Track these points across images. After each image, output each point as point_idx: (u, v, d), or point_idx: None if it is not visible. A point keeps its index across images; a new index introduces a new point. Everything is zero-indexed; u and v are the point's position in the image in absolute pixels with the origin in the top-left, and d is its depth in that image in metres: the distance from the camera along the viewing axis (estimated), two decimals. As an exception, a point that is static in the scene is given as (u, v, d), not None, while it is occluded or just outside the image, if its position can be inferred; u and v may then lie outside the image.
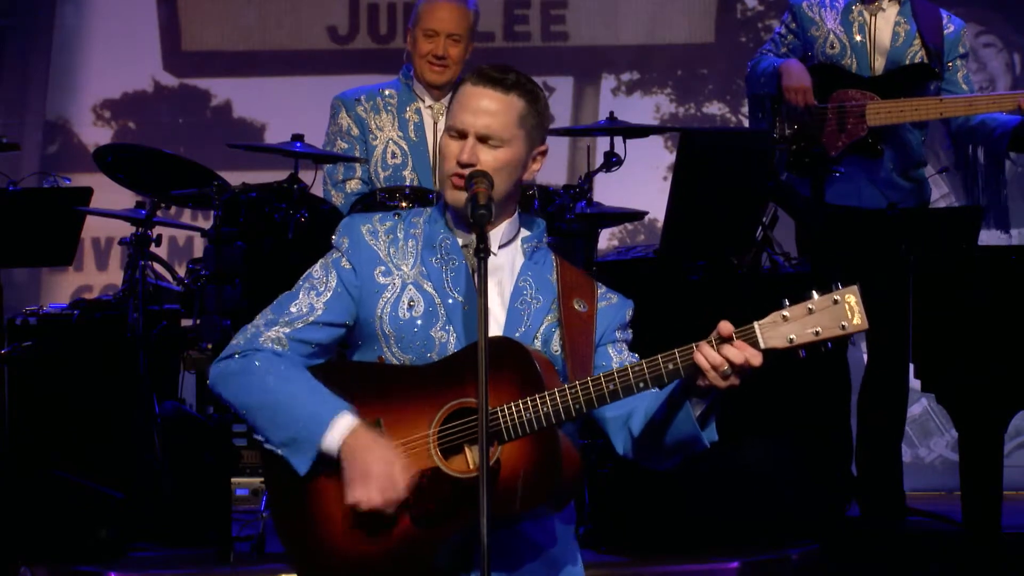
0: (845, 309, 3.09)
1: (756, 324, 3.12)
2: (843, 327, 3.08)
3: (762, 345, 3.11)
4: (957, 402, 5.31)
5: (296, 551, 3.30)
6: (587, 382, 3.20)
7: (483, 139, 3.35)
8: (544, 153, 3.45)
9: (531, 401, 3.18)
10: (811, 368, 5.81)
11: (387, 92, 5.73)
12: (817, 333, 3.09)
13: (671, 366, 3.16)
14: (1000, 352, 5.19)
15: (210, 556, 5.25)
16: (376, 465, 3.19)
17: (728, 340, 3.11)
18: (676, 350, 3.16)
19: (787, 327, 3.11)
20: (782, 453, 5.74)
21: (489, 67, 3.41)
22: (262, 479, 6.28)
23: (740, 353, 3.10)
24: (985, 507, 5.26)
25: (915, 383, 5.55)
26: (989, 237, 6.23)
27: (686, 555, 5.34)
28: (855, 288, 3.10)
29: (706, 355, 3.11)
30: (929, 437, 7.95)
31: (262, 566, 5.11)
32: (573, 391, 3.19)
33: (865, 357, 6.28)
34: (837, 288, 3.10)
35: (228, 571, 5.07)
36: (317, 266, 3.44)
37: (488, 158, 3.34)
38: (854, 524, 5.95)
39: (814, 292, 3.10)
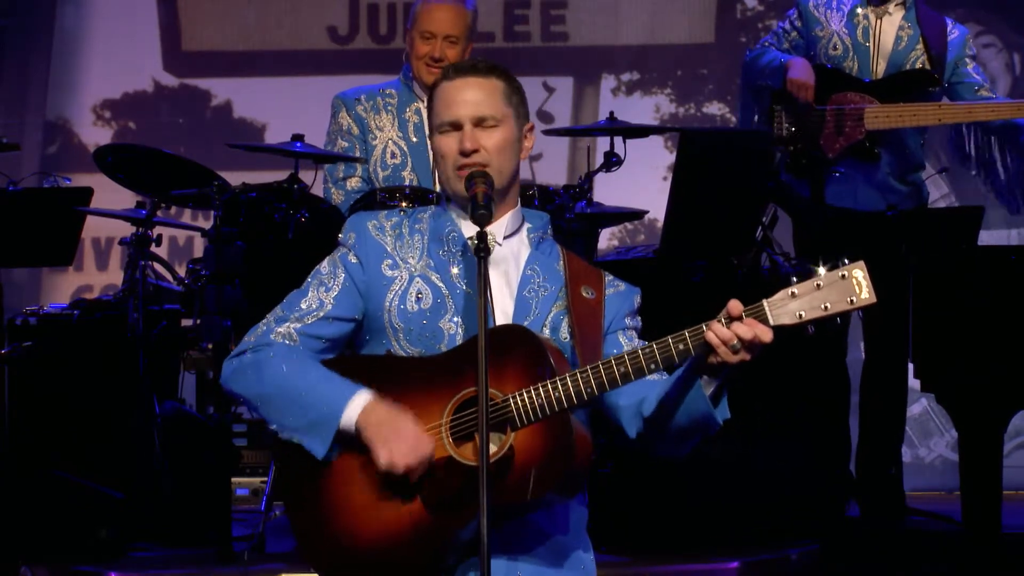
0: (853, 284, 3.11)
1: (765, 302, 3.15)
2: (851, 301, 3.11)
3: (772, 322, 3.14)
4: (957, 402, 5.30)
5: (310, 544, 3.30)
6: (598, 366, 3.21)
7: (479, 123, 3.39)
8: (532, 129, 3.49)
9: (543, 387, 3.19)
10: (811, 368, 5.85)
11: (387, 92, 5.73)
12: (826, 308, 3.12)
13: (681, 346, 3.17)
14: (1000, 352, 5.19)
15: (210, 556, 5.25)
16: (404, 427, 3.21)
17: (738, 319, 3.13)
18: (686, 330, 3.18)
19: (796, 303, 3.13)
20: (782, 453, 5.73)
21: (457, 63, 3.47)
22: (262, 479, 6.31)
23: (750, 329, 3.12)
24: (985, 507, 5.26)
25: (915, 383, 5.56)
26: (989, 237, 6.22)
27: (686, 555, 5.34)
28: (861, 263, 3.13)
29: (716, 332, 3.13)
30: (929, 437, 7.95)
31: (262, 566, 5.10)
32: (584, 375, 3.20)
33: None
34: (844, 264, 3.13)
35: (230, 571, 5.06)
36: (325, 263, 3.47)
37: (488, 141, 3.38)
38: (854, 524, 5.95)
39: (821, 268, 3.13)
